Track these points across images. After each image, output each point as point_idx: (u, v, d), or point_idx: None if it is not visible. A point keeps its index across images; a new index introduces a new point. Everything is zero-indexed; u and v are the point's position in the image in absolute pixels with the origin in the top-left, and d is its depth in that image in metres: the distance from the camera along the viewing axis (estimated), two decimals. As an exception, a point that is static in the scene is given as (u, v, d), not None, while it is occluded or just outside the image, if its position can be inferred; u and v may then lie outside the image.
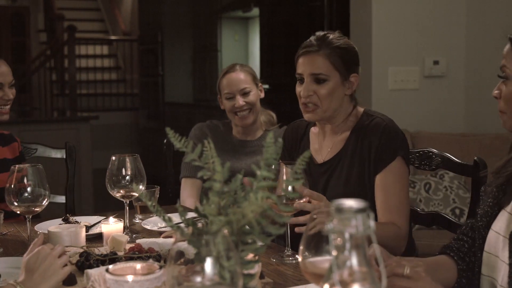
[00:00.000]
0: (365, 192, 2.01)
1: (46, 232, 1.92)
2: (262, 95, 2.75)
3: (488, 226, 1.52)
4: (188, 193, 2.66)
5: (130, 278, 1.28)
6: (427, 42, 4.15)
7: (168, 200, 2.84)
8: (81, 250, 1.73)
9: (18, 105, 8.04)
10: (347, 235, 0.86)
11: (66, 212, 2.69)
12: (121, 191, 2.02)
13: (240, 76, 2.67)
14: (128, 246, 1.81)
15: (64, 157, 2.86)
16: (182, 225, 1.10)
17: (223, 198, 1.10)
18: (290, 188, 1.65)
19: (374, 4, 4.02)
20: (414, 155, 2.23)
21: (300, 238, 1.15)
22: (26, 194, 1.87)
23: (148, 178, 2.07)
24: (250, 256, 1.12)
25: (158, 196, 2.32)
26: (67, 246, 1.75)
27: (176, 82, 7.87)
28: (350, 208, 0.86)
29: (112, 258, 1.65)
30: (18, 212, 1.89)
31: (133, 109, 9.40)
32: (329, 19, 4.65)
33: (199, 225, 1.11)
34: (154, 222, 2.18)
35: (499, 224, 1.48)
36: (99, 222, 2.16)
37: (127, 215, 2.07)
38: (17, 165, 1.90)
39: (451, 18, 4.19)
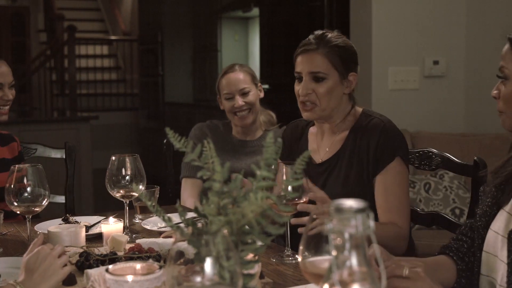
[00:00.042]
0: (365, 192, 2.01)
1: (46, 232, 1.92)
2: (262, 95, 2.75)
3: (487, 226, 1.52)
4: (188, 193, 2.66)
5: (130, 278, 1.28)
6: (427, 42, 4.15)
7: (168, 200, 2.84)
8: (81, 250, 1.73)
9: (18, 105, 8.04)
10: (346, 235, 0.86)
11: (66, 212, 2.69)
12: (121, 191, 2.02)
13: (239, 76, 2.67)
14: (128, 246, 1.81)
15: (64, 157, 2.86)
16: (182, 225, 1.10)
17: (222, 198, 1.10)
18: (290, 188, 1.65)
19: (374, 4, 4.02)
20: (414, 155, 2.23)
21: (300, 238, 1.15)
22: (26, 194, 1.87)
23: (148, 178, 2.07)
24: (250, 256, 1.12)
25: (158, 196, 2.32)
26: (67, 246, 1.75)
27: (176, 82, 7.87)
28: (349, 208, 0.86)
29: (112, 258, 1.65)
30: (18, 212, 1.89)
31: (133, 109, 9.40)
32: (329, 19, 4.65)
33: (199, 225, 1.11)
34: (154, 222, 2.18)
35: (498, 224, 1.48)
36: (99, 222, 2.15)
37: (127, 215, 2.07)
38: (17, 165, 1.90)
39: (451, 18, 4.19)
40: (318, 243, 1.13)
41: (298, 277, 1.60)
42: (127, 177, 2.02)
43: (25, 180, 1.87)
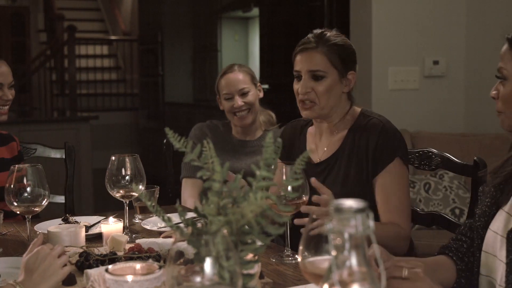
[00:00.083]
0: (364, 192, 2.01)
1: (46, 232, 1.92)
2: (261, 95, 2.75)
3: (486, 226, 1.52)
4: (189, 193, 2.66)
5: (129, 278, 1.28)
6: (427, 42, 4.15)
7: (168, 200, 2.84)
8: (81, 250, 1.73)
9: (18, 105, 8.04)
10: (346, 235, 0.86)
11: (66, 212, 2.69)
12: (121, 191, 2.02)
13: (238, 76, 2.67)
14: (127, 246, 1.81)
15: (64, 157, 2.86)
16: (181, 225, 1.10)
17: (222, 198, 1.10)
18: (289, 188, 1.65)
19: (374, 4, 4.02)
20: (414, 155, 2.23)
21: (300, 238, 1.15)
22: (26, 194, 1.87)
23: (148, 178, 2.07)
24: (250, 256, 1.12)
25: (157, 196, 2.32)
26: (66, 246, 1.75)
27: (176, 82, 7.87)
28: (349, 208, 0.86)
29: (111, 258, 1.65)
30: (18, 212, 1.89)
31: (133, 109, 9.40)
32: (329, 19, 4.65)
33: (199, 225, 1.11)
34: (153, 222, 2.18)
35: (497, 224, 1.48)
36: (99, 222, 2.15)
37: (126, 215, 2.07)
38: (16, 165, 1.90)
39: (451, 18, 4.19)
40: (318, 243, 1.13)
41: (298, 277, 1.60)
42: (127, 177, 2.02)
43: (25, 180, 1.87)
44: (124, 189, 2.02)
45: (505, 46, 1.48)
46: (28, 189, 1.87)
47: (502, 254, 1.43)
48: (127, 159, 2.03)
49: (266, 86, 5.30)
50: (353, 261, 0.87)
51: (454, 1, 4.19)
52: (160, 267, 1.32)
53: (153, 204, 1.15)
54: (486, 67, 4.01)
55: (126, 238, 1.87)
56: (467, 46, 4.23)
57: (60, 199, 2.83)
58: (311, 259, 1.13)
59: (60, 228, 1.92)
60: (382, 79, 4.09)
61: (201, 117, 6.02)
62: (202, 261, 0.96)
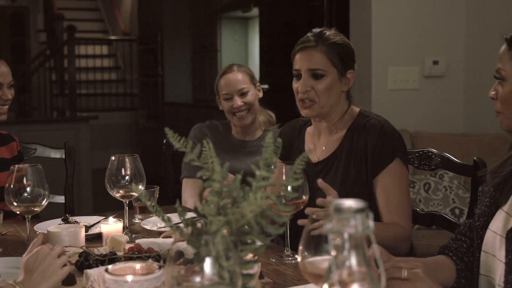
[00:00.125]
0: (363, 193, 2.01)
1: (46, 232, 1.92)
2: (261, 94, 2.75)
3: (485, 226, 1.52)
4: (189, 193, 2.66)
5: (129, 278, 1.28)
6: (427, 42, 4.15)
7: (168, 200, 2.84)
8: (81, 250, 1.73)
9: (18, 105, 8.03)
10: (346, 235, 0.86)
11: (66, 212, 2.69)
12: (121, 191, 2.02)
13: (237, 76, 2.67)
14: (127, 246, 1.81)
15: (64, 157, 2.86)
16: (181, 225, 1.10)
17: (222, 198, 1.10)
18: (289, 188, 1.65)
19: (374, 4, 4.02)
20: (413, 155, 2.23)
21: (300, 238, 1.15)
22: (26, 194, 1.87)
23: (148, 178, 2.07)
24: (250, 256, 1.12)
25: (157, 196, 2.32)
26: (66, 246, 1.75)
27: (175, 82, 7.87)
28: (349, 208, 0.86)
29: (111, 258, 1.65)
30: (18, 212, 1.89)
31: (133, 109, 9.40)
32: (329, 19, 4.65)
33: (198, 225, 1.11)
34: (153, 222, 2.18)
35: (496, 224, 1.48)
36: (99, 222, 2.15)
37: (126, 215, 2.07)
38: (16, 165, 1.90)
39: (451, 18, 4.19)
40: (317, 243, 1.13)
41: (298, 277, 1.60)
42: (127, 177, 2.02)
43: (24, 180, 1.87)
44: (124, 189, 2.02)
45: (504, 47, 1.48)
46: (28, 189, 1.87)
47: (501, 254, 1.43)
48: (126, 159, 2.03)
49: (265, 86, 5.30)
50: (353, 261, 0.87)
51: (454, 1, 4.19)
52: (159, 267, 1.32)
53: (153, 204, 1.15)
54: (486, 67, 4.01)
55: (126, 238, 1.87)
56: (467, 46, 4.23)
57: (60, 199, 2.83)
58: (311, 259, 1.13)
59: (60, 228, 1.92)
60: (382, 79, 4.08)
61: (200, 117, 6.02)
62: (201, 261, 0.96)
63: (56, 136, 5.37)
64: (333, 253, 0.87)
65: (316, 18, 4.75)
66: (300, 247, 1.14)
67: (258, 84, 2.75)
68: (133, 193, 2.04)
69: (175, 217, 1.25)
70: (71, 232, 1.86)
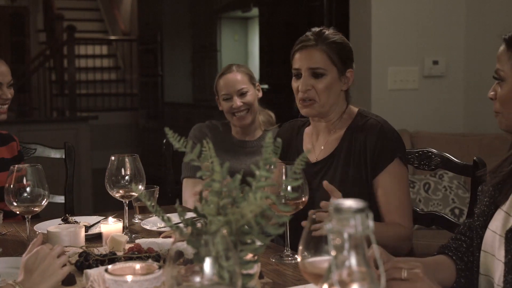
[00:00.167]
0: (363, 193, 2.00)
1: (46, 232, 1.92)
2: (260, 94, 2.74)
3: (485, 226, 1.52)
4: (189, 193, 2.66)
5: (129, 278, 1.27)
6: (427, 42, 4.15)
7: (168, 200, 2.84)
8: (81, 250, 1.73)
9: (18, 105, 8.04)
10: (346, 235, 0.86)
11: (66, 212, 2.69)
12: (121, 191, 2.02)
13: (236, 77, 2.67)
14: (127, 246, 1.81)
15: (63, 157, 2.86)
16: (181, 225, 1.10)
17: (222, 198, 1.10)
18: (289, 188, 1.64)
19: (373, 4, 4.02)
20: (413, 155, 2.23)
21: (299, 238, 1.15)
22: (26, 194, 1.87)
23: (148, 178, 2.07)
24: (249, 256, 1.12)
25: (157, 196, 2.32)
26: (66, 246, 1.75)
27: (175, 82, 7.87)
28: (349, 208, 0.86)
29: (111, 258, 1.65)
30: (18, 212, 1.89)
31: (133, 109, 9.40)
32: (329, 19, 4.65)
33: (198, 225, 1.11)
34: (153, 222, 2.18)
35: (496, 223, 1.49)
36: (99, 222, 2.15)
37: (126, 215, 2.07)
38: (16, 165, 1.90)
39: (450, 18, 4.19)
40: (317, 243, 1.13)
41: (298, 277, 1.60)
42: (127, 177, 2.02)
43: (24, 180, 1.87)
44: (124, 189, 2.02)
45: (502, 47, 1.48)
46: (28, 189, 1.87)
47: (500, 254, 1.43)
48: (126, 159, 2.03)
49: (265, 86, 5.30)
50: (353, 261, 0.87)
51: (454, 1, 4.19)
52: (159, 267, 1.32)
53: (152, 204, 1.15)
54: (485, 67, 4.01)
55: (125, 238, 1.86)
56: (466, 46, 4.23)
57: (60, 199, 2.82)
58: (311, 259, 1.13)
59: (60, 228, 1.92)
60: (382, 79, 4.08)
61: (200, 117, 6.02)
62: (201, 261, 0.96)
63: (56, 136, 5.37)
64: (333, 253, 0.87)
65: (316, 18, 4.75)
66: (300, 247, 1.14)
67: (257, 84, 2.75)
68: (133, 193, 2.03)
69: (175, 217, 1.25)
70: (71, 232, 1.86)
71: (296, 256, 1.73)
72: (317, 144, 2.15)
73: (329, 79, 2.04)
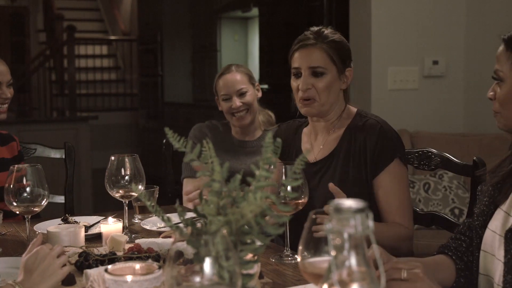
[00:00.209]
0: (362, 193, 2.00)
1: (45, 232, 1.92)
2: (260, 94, 2.74)
3: (484, 225, 1.52)
4: (190, 193, 2.66)
5: (129, 278, 1.28)
6: (427, 42, 4.15)
7: (167, 200, 2.84)
8: (80, 250, 1.73)
9: (18, 105, 8.04)
10: (346, 235, 0.86)
11: (65, 212, 2.69)
12: (120, 191, 2.02)
13: (236, 77, 2.67)
14: (127, 246, 1.81)
15: (63, 157, 2.86)
16: (181, 225, 1.10)
17: (222, 198, 1.10)
18: (289, 188, 1.64)
19: (373, 4, 4.02)
20: (413, 155, 2.23)
21: (299, 238, 1.15)
22: (25, 194, 1.87)
23: (147, 178, 2.07)
24: (249, 256, 1.12)
25: (157, 196, 2.32)
26: (66, 246, 1.75)
27: (175, 82, 7.87)
28: (349, 208, 0.86)
29: (111, 258, 1.65)
30: (17, 212, 1.89)
31: (133, 109, 9.40)
32: (329, 19, 4.65)
33: (198, 225, 1.11)
34: (153, 222, 2.18)
35: (495, 223, 1.49)
36: (98, 222, 2.15)
37: (126, 215, 2.07)
38: (16, 165, 1.90)
39: (450, 18, 4.19)
40: (317, 244, 1.13)
41: (298, 277, 1.60)
42: (127, 177, 2.02)
43: (24, 180, 1.87)
44: (124, 189, 2.02)
45: (501, 47, 1.49)
46: (28, 189, 1.87)
47: (500, 253, 1.43)
48: (126, 159, 2.03)
49: (265, 86, 5.30)
50: (353, 261, 0.86)
51: (454, 1, 4.19)
52: (159, 267, 1.32)
53: (152, 204, 1.15)
54: (485, 67, 4.00)
55: (125, 238, 1.86)
56: (466, 46, 4.23)
57: (60, 199, 2.82)
58: (311, 259, 1.13)
59: (60, 228, 1.92)
60: (382, 79, 4.08)
61: (200, 117, 6.02)
62: (201, 261, 0.96)
63: (56, 136, 5.36)
64: (333, 253, 0.87)
65: (316, 18, 4.75)
66: (300, 247, 1.14)
67: (257, 84, 2.75)
68: (133, 193, 2.03)
69: (175, 217, 1.25)
70: (70, 232, 1.86)
71: (296, 256, 1.73)
72: (315, 144, 2.15)
73: (329, 78, 2.05)
